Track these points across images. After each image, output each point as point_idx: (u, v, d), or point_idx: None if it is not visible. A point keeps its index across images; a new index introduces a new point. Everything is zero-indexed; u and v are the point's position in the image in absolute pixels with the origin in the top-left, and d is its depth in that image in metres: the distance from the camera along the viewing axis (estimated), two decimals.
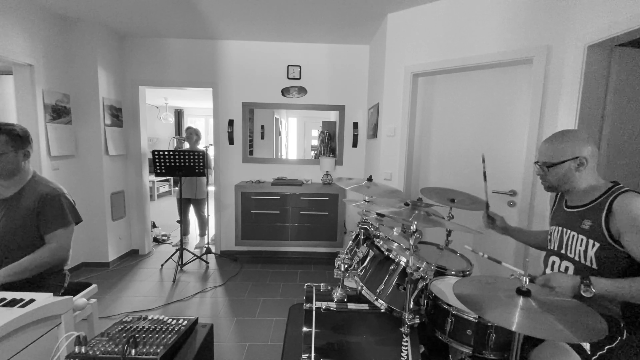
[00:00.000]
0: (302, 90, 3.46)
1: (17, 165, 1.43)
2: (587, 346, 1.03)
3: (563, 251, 1.19)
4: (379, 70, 2.90)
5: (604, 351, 1.02)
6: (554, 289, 1.03)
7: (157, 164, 3.02)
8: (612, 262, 1.05)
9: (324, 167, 3.41)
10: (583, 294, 0.97)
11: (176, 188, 3.72)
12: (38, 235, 1.46)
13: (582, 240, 1.11)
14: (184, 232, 4.02)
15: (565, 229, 1.20)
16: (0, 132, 1.38)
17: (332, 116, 3.61)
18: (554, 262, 1.23)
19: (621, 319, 1.06)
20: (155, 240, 4.04)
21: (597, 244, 1.07)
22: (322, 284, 1.49)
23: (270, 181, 3.47)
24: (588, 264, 1.09)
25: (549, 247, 1.29)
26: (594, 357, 1.02)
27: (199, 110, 7.98)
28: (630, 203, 1.02)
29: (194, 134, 3.70)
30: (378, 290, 1.22)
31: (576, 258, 1.13)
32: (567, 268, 1.16)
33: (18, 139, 1.42)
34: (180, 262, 3.15)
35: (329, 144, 3.64)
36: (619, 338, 1.03)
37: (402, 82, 2.61)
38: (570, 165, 1.14)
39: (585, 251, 1.10)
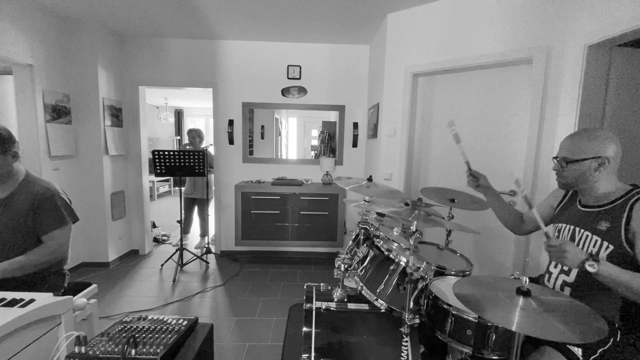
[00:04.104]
0: (302, 90, 3.46)
1: (8, 167, 1.41)
2: (579, 352, 1.02)
3: None
4: (379, 70, 2.90)
5: (597, 355, 1.00)
6: (564, 253, 0.99)
7: (157, 164, 3.02)
8: (623, 266, 1.03)
9: (324, 167, 3.41)
10: (587, 266, 0.95)
11: (176, 188, 3.72)
12: (34, 235, 1.44)
13: (596, 241, 1.09)
14: (185, 230, 4.03)
15: (578, 228, 1.17)
16: None
17: (332, 116, 3.61)
18: None
19: (617, 321, 1.05)
20: (155, 240, 4.04)
21: (611, 247, 1.04)
22: (322, 284, 1.49)
23: (270, 181, 3.46)
24: None
25: None
26: None
27: (199, 110, 7.98)
28: None
29: (196, 137, 3.71)
30: (378, 290, 1.22)
31: None
32: (571, 268, 1.15)
33: (3, 140, 1.38)
34: (180, 262, 3.15)
35: (329, 144, 3.64)
36: (612, 339, 1.02)
37: (402, 82, 2.61)
38: (591, 164, 1.11)
39: (597, 252, 1.07)
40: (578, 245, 1.15)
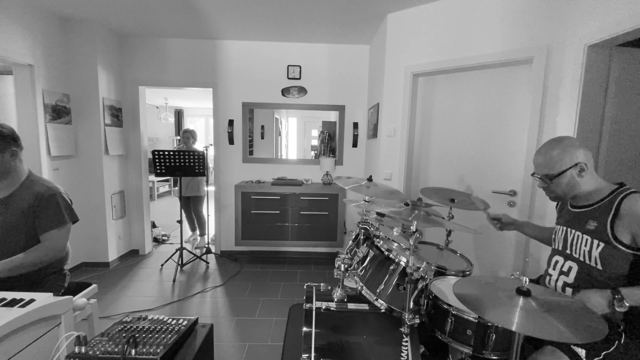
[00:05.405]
0: (302, 90, 3.46)
1: (6, 165, 1.40)
2: (582, 353, 1.02)
3: (568, 251, 1.18)
4: (379, 70, 2.90)
5: (601, 357, 1.01)
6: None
7: (157, 164, 3.02)
8: (616, 262, 1.04)
9: (324, 167, 3.41)
10: (618, 309, 0.96)
11: (176, 188, 3.76)
12: (35, 235, 1.44)
13: (586, 240, 1.11)
14: (192, 228, 4.06)
15: (569, 229, 1.19)
16: None
17: (332, 116, 3.60)
18: (557, 262, 1.22)
19: (621, 323, 1.05)
20: (155, 240, 4.04)
21: (602, 245, 1.06)
22: (322, 284, 1.49)
23: (270, 181, 3.46)
24: (592, 264, 1.09)
25: (553, 247, 1.29)
26: None
27: (199, 110, 7.98)
28: (638, 203, 1.02)
29: (190, 137, 3.77)
30: (378, 290, 1.22)
31: (581, 258, 1.13)
32: (570, 268, 1.16)
33: (2, 138, 1.38)
34: (180, 262, 3.15)
35: (329, 144, 3.64)
36: (617, 342, 1.02)
37: (402, 82, 2.61)
38: (573, 172, 1.13)
39: (590, 251, 1.09)
40: (572, 245, 1.17)
